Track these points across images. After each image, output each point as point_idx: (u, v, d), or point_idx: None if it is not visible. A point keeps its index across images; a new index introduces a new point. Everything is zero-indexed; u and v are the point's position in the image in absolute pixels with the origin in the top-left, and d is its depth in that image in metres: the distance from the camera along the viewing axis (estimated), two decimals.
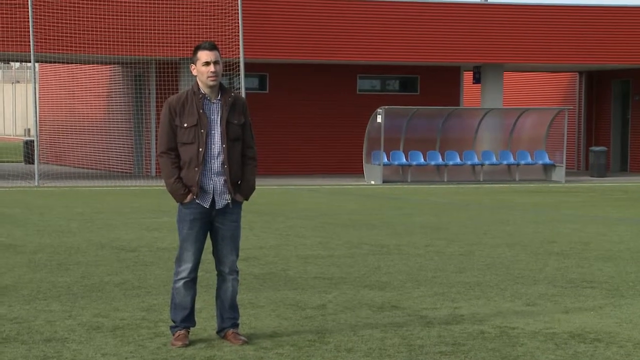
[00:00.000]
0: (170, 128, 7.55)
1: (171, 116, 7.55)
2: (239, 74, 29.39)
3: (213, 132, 7.55)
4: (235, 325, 7.73)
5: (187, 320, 7.66)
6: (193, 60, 7.58)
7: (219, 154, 7.55)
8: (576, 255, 13.06)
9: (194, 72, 7.59)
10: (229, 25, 29.45)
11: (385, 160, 29.94)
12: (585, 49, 33.19)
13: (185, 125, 7.51)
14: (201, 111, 7.53)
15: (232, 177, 7.58)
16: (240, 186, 7.66)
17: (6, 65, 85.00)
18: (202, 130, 7.51)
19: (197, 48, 7.58)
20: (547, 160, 31.64)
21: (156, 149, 7.97)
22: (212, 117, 7.57)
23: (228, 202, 7.60)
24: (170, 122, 7.55)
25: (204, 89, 7.58)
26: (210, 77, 7.50)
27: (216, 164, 7.55)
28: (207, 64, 7.51)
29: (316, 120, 33.87)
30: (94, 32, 28.56)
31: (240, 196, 7.65)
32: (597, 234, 15.58)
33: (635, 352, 7.50)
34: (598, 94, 38.90)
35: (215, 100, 7.59)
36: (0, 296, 9.63)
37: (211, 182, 7.56)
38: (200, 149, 7.50)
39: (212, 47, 7.55)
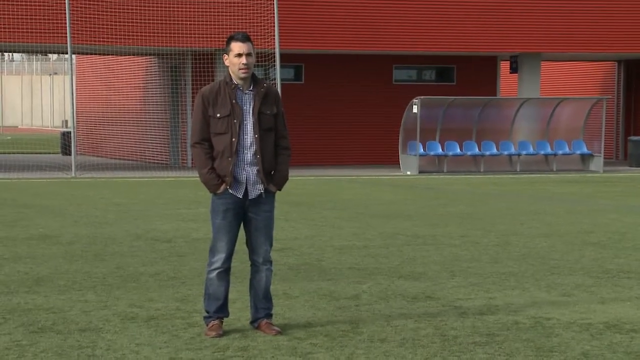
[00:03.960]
0: (204, 118, 7.55)
1: (204, 107, 7.55)
2: (274, 65, 29.40)
3: (246, 122, 7.54)
4: (269, 315, 7.73)
5: (221, 310, 7.66)
6: (226, 50, 7.57)
7: (251, 144, 7.54)
8: (613, 245, 12.97)
9: (227, 63, 7.58)
10: (264, 16, 29.47)
11: (422, 150, 29.86)
12: (623, 37, 32.91)
13: (219, 115, 7.51)
14: (234, 101, 7.52)
15: (265, 167, 7.58)
16: (274, 176, 7.65)
17: (44, 57, 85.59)
18: (235, 121, 7.50)
19: (230, 38, 7.56)
20: (584, 150, 31.43)
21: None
22: (245, 108, 7.56)
23: (261, 192, 7.60)
24: (204, 113, 7.55)
25: (236, 80, 7.57)
26: (242, 69, 7.49)
27: (249, 154, 7.55)
28: (239, 55, 7.49)
29: (352, 110, 33.83)
30: (131, 24, 28.68)
31: (273, 186, 7.64)
32: (635, 224, 15.46)
33: None
34: (637, 83, 38.57)
35: (247, 91, 7.59)
36: (37, 286, 9.70)
37: (244, 172, 7.55)
38: (234, 139, 7.49)
39: (245, 38, 7.54)
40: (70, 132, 34.79)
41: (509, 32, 32.02)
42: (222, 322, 7.67)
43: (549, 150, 31.28)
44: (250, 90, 7.58)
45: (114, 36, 28.67)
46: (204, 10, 29.28)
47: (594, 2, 32.56)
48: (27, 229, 14.60)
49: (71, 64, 29.50)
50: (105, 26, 28.52)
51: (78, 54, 35.40)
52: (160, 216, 16.51)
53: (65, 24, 27.84)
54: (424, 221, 15.86)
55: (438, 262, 11.37)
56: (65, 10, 27.84)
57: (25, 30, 28.07)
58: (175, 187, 23.68)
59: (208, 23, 29.26)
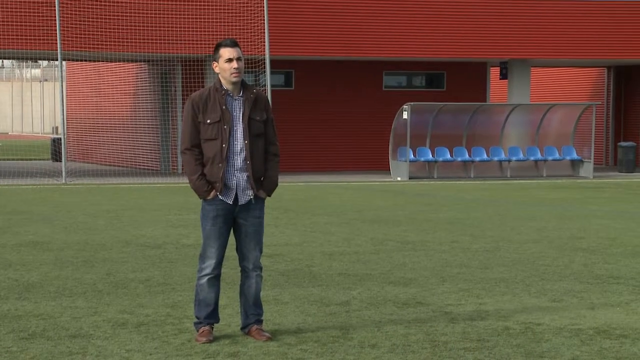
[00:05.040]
0: (194, 124, 7.56)
1: (194, 113, 7.56)
2: (264, 71, 29.41)
3: (236, 128, 7.56)
4: (259, 321, 7.73)
5: (211, 316, 7.66)
6: (215, 57, 7.59)
7: (241, 150, 7.56)
8: (603, 251, 12.99)
9: (216, 70, 7.59)
10: (254, 22, 29.49)
11: (412, 156, 29.89)
12: (613, 43, 33.00)
13: (209, 121, 7.52)
14: (224, 107, 7.54)
15: (254, 173, 7.59)
16: (263, 182, 7.66)
17: (34, 63, 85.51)
18: (225, 126, 7.51)
19: (219, 45, 7.58)
20: (574, 155, 31.50)
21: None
22: (235, 114, 7.58)
23: (251, 198, 7.61)
24: (194, 119, 7.56)
25: (226, 86, 7.59)
26: (234, 73, 7.51)
27: (239, 160, 7.56)
28: (229, 60, 7.52)
29: (342, 116, 33.86)
30: (121, 30, 28.67)
31: (263, 192, 7.65)
32: (625, 230, 15.49)
33: None
34: (626, 88, 38.68)
35: (237, 97, 7.60)
36: (27, 293, 9.69)
37: (234, 178, 7.56)
38: (224, 145, 7.50)
39: (234, 43, 7.57)
40: (60, 139, 34.75)
41: (499, 38, 32.09)
42: (212, 328, 7.67)
43: (539, 156, 31.34)
44: (240, 96, 7.60)
45: (104, 43, 28.66)
46: (193, 16, 29.28)
47: (584, 8, 32.65)
48: (17, 235, 14.58)
49: (61, 71, 29.47)
50: (95, 33, 28.50)
51: (68, 60, 35.37)
52: (150, 222, 16.50)
53: (56, 30, 27.81)
54: (414, 227, 15.87)
55: (428, 268, 11.38)
56: (55, 16, 27.81)
57: (15, 37, 28.04)
58: (166, 193, 23.66)
59: (198, 29, 29.26)
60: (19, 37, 28.06)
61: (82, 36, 28.40)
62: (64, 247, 13.16)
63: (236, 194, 7.58)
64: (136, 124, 35.55)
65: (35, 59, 39.27)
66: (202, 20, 29.29)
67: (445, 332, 7.90)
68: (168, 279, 10.56)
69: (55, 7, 27.82)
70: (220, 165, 7.51)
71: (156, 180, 28.81)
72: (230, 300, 8.99)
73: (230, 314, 8.44)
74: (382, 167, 31.81)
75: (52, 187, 26.01)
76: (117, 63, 36.73)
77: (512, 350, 7.33)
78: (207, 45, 28.94)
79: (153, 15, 28.97)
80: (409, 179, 29.38)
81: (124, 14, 28.73)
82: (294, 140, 32.31)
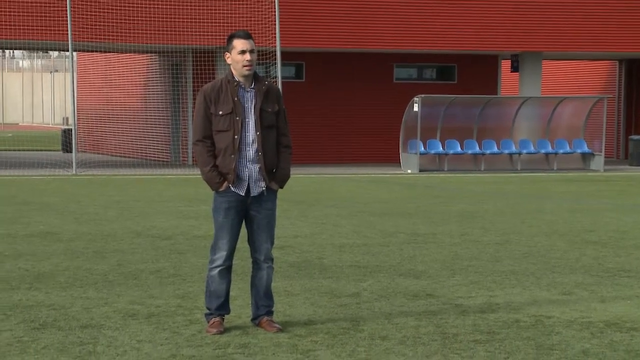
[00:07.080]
0: (206, 116, 7.56)
1: (206, 104, 7.56)
2: (275, 63, 29.41)
3: (248, 119, 7.56)
4: (270, 312, 7.74)
5: (222, 308, 7.68)
6: (228, 48, 7.59)
7: (253, 141, 7.56)
8: (614, 244, 12.98)
9: (229, 61, 7.59)
10: (265, 14, 29.48)
11: (422, 149, 29.87)
12: (625, 36, 32.91)
13: (221, 112, 7.53)
14: (236, 99, 7.54)
15: (267, 164, 7.59)
16: (275, 174, 7.67)
17: (45, 54, 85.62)
18: (237, 118, 7.52)
19: (232, 36, 7.59)
20: (585, 149, 31.45)
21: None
22: (247, 105, 7.58)
23: (263, 190, 7.62)
24: (206, 110, 7.56)
25: (238, 77, 7.59)
26: (246, 65, 7.51)
27: (251, 151, 7.56)
28: (242, 52, 7.52)
29: (353, 109, 33.85)
30: (132, 21, 28.70)
31: (275, 184, 7.66)
32: (635, 223, 15.47)
33: None
34: (638, 82, 38.57)
35: (249, 89, 7.61)
36: (38, 283, 9.72)
37: (246, 169, 7.57)
38: (236, 137, 7.50)
39: (247, 35, 7.57)
40: (71, 130, 34.80)
41: (510, 31, 32.02)
42: (223, 319, 7.68)
43: (549, 149, 31.29)
44: (252, 88, 7.60)
45: (115, 33, 28.69)
46: (205, 8, 29.29)
47: (596, 1, 32.56)
48: (28, 226, 14.62)
49: (72, 61, 29.50)
50: (106, 23, 28.53)
51: (79, 51, 35.41)
52: (160, 213, 16.52)
53: (67, 21, 27.84)
54: (425, 219, 15.87)
55: (438, 261, 11.38)
56: (66, 7, 27.84)
57: (26, 28, 28.09)
58: (176, 184, 23.69)
59: (209, 21, 29.27)
60: (30, 27, 28.10)
61: (93, 27, 28.43)
62: (74, 238, 13.20)
63: (248, 186, 7.59)
64: (147, 115, 35.59)
65: (46, 50, 39.33)
66: (214, 11, 29.29)
67: (456, 325, 7.91)
68: (178, 270, 10.58)
69: None
70: (232, 156, 7.52)
71: (166, 171, 28.85)
72: (240, 292, 9.01)
73: (241, 305, 8.45)
74: (393, 159, 31.79)
75: (63, 178, 26.06)
76: (128, 54, 36.75)
77: (523, 342, 7.33)
78: (218, 37, 28.95)
79: (164, 7, 28.98)
80: (419, 171, 29.37)
81: (135, 5, 28.75)
82: (304, 132, 32.31)
